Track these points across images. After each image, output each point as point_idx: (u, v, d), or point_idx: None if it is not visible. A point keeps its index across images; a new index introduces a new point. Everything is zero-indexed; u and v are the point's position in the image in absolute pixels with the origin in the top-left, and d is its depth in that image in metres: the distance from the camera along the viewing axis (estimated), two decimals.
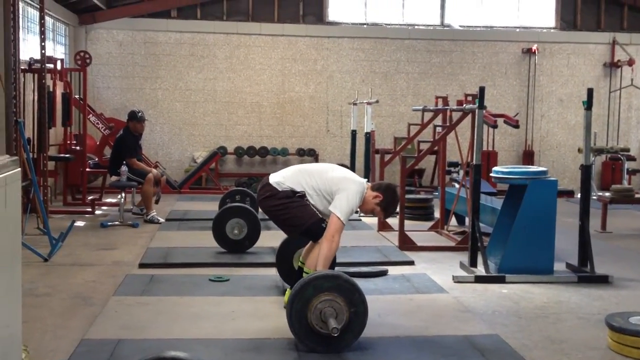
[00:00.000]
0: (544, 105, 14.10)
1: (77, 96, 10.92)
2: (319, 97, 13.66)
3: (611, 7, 14.18)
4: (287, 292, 4.91)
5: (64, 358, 3.88)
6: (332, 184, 4.65)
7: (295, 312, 4.02)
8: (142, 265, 6.31)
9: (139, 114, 9.34)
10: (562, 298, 5.47)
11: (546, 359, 4.07)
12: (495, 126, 7.82)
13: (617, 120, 14.21)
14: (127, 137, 9.20)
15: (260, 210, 5.18)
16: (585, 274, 6.08)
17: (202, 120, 13.44)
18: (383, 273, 6.10)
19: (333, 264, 4.83)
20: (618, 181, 12.77)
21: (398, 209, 7.47)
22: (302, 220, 4.63)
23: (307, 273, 4.56)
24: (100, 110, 12.17)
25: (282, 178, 4.76)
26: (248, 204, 8.01)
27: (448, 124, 8.26)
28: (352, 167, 11.30)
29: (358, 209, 4.84)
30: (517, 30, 14.09)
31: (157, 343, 4.11)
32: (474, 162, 6.30)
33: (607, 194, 9.25)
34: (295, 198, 4.66)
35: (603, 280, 5.99)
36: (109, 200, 10.61)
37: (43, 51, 8.77)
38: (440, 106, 8.56)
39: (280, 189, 4.69)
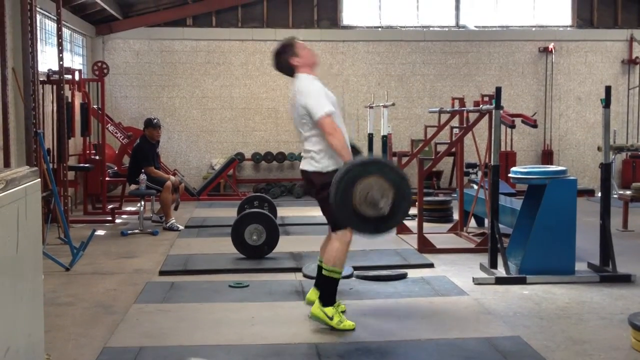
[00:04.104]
0: (562, 104, 13.99)
1: (95, 106, 11.01)
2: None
3: (628, 3, 14.03)
4: (310, 291, 4.95)
5: None
6: (311, 124, 4.59)
7: (341, 193, 4.17)
8: (163, 273, 6.34)
9: (155, 120, 9.41)
10: (584, 298, 5.42)
11: None
12: (513, 126, 7.77)
13: (637, 118, 14.05)
14: (143, 145, 9.27)
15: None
16: (607, 273, 6.02)
17: (219, 127, 13.50)
18: (402, 276, 6.08)
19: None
20: (639, 179, 12.65)
21: (416, 211, 7.49)
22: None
23: (325, 269, 4.59)
24: (118, 120, 12.26)
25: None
26: (266, 209, 8.02)
27: (465, 125, 8.22)
28: None
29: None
30: (533, 29, 14.00)
31: (178, 350, 4.14)
32: (492, 162, 6.27)
33: (628, 192, 9.14)
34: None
35: (625, 280, 5.93)
36: (128, 208, 10.69)
37: (61, 62, 8.86)
38: (456, 107, 8.52)
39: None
